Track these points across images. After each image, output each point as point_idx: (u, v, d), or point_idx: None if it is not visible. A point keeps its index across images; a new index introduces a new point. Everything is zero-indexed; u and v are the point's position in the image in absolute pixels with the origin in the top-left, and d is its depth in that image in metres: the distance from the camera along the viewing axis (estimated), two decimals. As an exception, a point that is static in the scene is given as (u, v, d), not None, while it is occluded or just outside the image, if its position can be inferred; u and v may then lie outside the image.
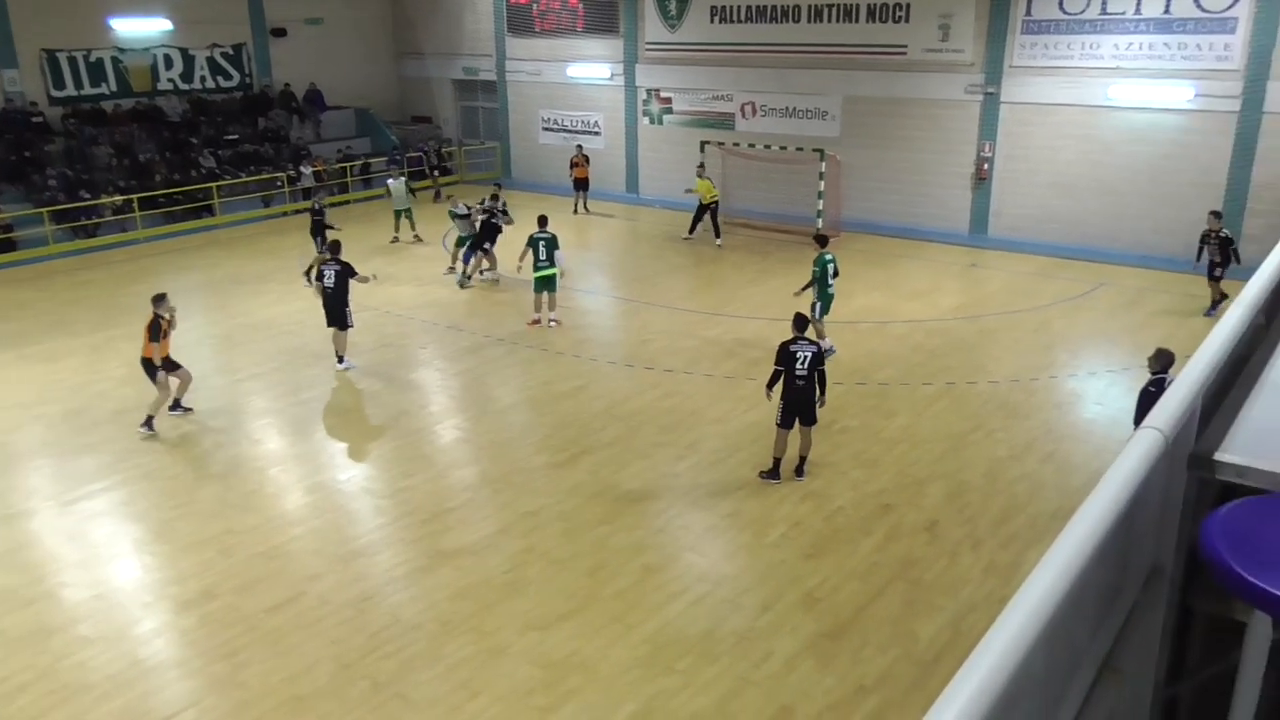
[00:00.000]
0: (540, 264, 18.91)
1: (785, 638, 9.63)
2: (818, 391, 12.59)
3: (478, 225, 22.41)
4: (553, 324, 19.34)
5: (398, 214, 26.97)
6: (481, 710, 8.67)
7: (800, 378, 12.38)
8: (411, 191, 27.60)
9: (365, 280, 17.09)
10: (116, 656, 9.57)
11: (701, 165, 26.97)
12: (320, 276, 17.04)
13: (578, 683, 9.02)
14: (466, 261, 22.70)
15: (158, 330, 14.52)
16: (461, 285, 22.39)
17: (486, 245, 22.38)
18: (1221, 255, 19.19)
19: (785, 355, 12.40)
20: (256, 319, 20.28)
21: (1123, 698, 2.88)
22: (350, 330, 17.03)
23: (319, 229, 22.73)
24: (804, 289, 17.38)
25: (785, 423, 12.62)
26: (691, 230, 26.56)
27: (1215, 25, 22.23)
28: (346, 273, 16.73)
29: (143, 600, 10.61)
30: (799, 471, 12.93)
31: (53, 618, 10.23)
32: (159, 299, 14.70)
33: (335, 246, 17.50)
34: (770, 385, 12.67)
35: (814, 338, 12.60)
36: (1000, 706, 1.70)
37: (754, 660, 9.30)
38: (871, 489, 12.69)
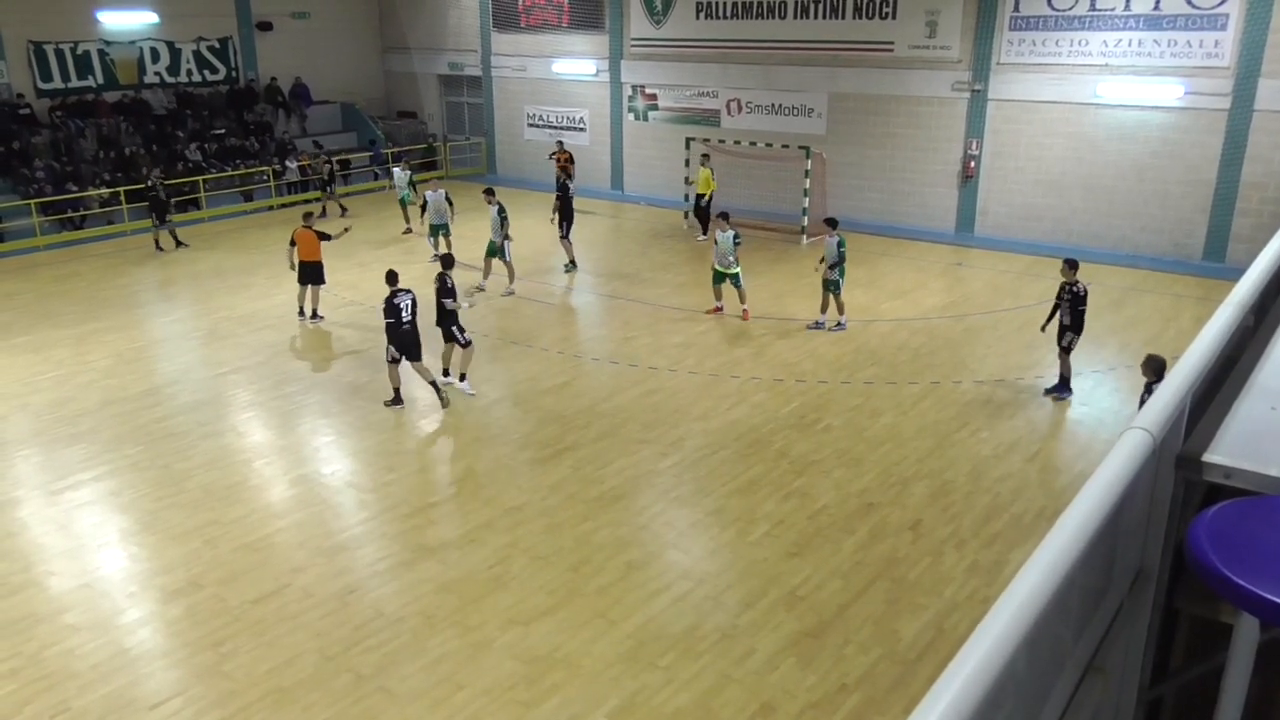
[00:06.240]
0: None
1: (767, 635, 9.63)
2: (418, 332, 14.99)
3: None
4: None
5: (402, 203, 27.38)
6: (464, 704, 8.66)
7: (406, 322, 14.77)
8: (412, 185, 27.42)
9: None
10: (102, 645, 9.57)
11: (705, 155, 26.80)
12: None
13: (560, 678, 9.01)
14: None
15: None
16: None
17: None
18: (1072, 316, 15.02)
19: (392, 308, 14.64)
20: (240, 313, 20.22)
21: (1107, 699, 2.88)
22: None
23: (159, 206, 25.15)
24: (831, 267, 18.45)
25: (395, 360, 14.95)
26: (705, 229, 26.24)
27: (1205, 22, 22.17)
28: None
29: (129, 590, 10.59)
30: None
31: (39, 605, 10.22)
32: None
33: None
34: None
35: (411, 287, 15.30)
36: (984, 707, 1.69)
37: (736, 657, 9.29)
38: (855, 488, 12.69)
